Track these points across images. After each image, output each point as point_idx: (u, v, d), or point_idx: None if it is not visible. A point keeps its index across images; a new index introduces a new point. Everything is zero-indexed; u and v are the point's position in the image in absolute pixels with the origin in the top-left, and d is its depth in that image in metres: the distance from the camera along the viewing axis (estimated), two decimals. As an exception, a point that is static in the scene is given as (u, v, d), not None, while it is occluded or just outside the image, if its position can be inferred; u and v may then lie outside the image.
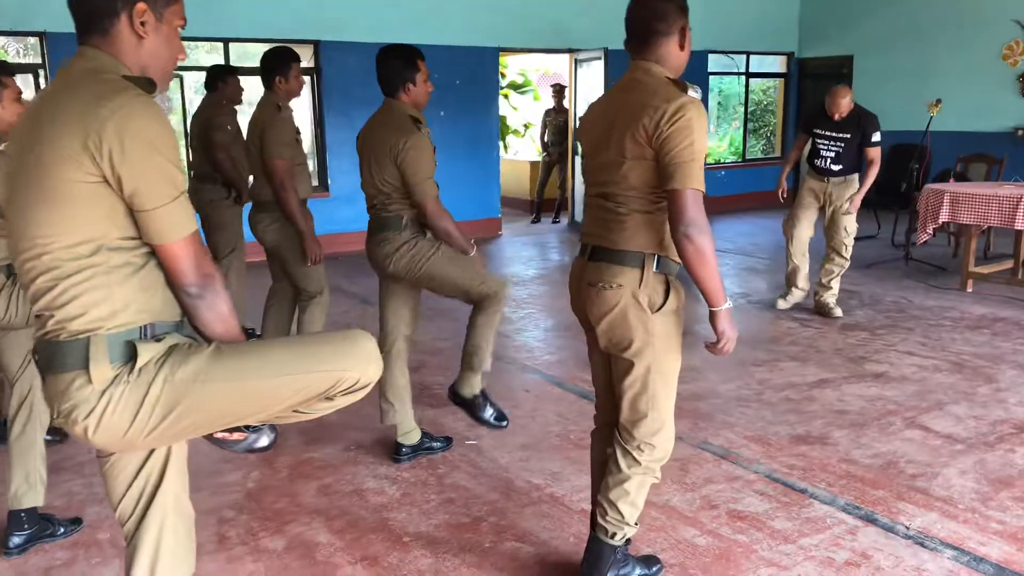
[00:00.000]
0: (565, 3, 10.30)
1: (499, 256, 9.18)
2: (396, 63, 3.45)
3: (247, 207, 4.67)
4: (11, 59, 9.19)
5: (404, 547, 2.98)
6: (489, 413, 3.72)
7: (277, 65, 4.27)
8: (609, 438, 2.62)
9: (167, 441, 1.79)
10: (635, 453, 2.47)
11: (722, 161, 13.69)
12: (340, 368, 1.77)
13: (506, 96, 14.62)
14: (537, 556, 2.91)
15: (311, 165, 9.62)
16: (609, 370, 2.52)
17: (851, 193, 5.76)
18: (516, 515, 3.20)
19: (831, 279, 5.96)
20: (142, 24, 1.69)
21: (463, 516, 3.20)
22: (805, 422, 4.04)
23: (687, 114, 2.17)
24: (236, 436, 1.93)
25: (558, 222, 11.40)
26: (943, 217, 6.70)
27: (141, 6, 1.68)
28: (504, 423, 3.78)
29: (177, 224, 1.65)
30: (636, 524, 2.58)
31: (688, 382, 4.64)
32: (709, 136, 15.60)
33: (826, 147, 5.79)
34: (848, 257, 5.89)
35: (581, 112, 10.48)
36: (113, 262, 1.64)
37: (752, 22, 12.14)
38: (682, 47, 2.36)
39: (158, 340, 1.68)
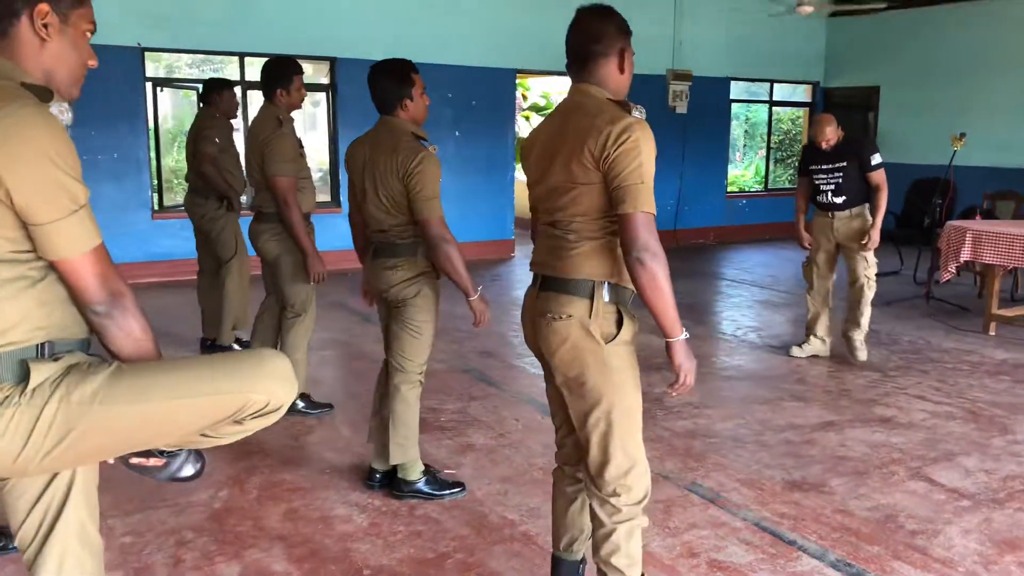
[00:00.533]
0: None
1: (509, 278, 9.05)
2: (389, 81, 3.29)
3: (248, 218, 4.59)
4: None
5: (363, 582, 2.83)
6: (444, 492, 3.51)
7: (278, 76, 4.19)
8: (571, 477, 2.47)
9: (67, 465, 1.67)
10: (613, 501, 2.28)
11: (745, 190, 13.50)
12: (248, 390, 1.64)
13: (527, 118, 14.55)
14: (500, 600, 2.75)
15: (326, 180, 9.57)
16: (566, 406, 2.37)
17: (860, 227, 5.41)
18: (484, 553, 3.03)
19: (858, 312, 5.50)
20: (44, 26, 1.60)
21: (429, 551, 3.04)
22: (802, 467, 3.84)
23: (633, 135, 2.08)
24: (153, 462, 1.79)
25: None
26: (965, 256, 6.47)
27: (43, 7, 1.59)
28: (462, 491, 3.54)
29: (75, 239, 1.53)
30: None
31: (685, 418, 4.47)
32: (735, 165, 15.62)
33: (825, 181, 5.47)
34: (872, 287, 5.48)
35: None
36: (4, 275, 1.51)
37: (777, 50, 11.98)
38: (622, 69, 2.28)
39: (56, 359, 1.56)
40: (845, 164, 5.37)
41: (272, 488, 3.55)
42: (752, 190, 13.49)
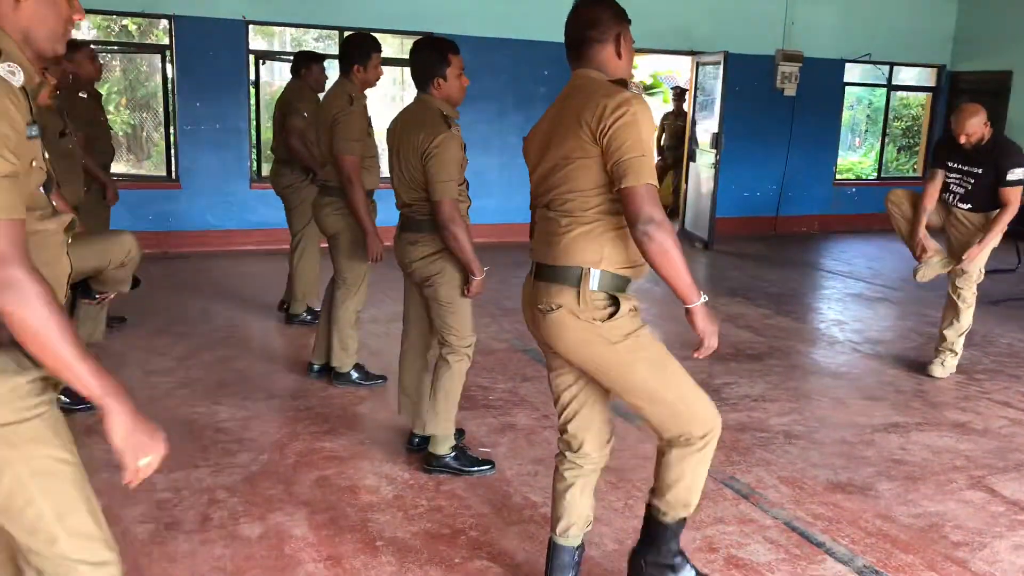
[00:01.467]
0: (687, 5, 9.94)
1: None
2: (425, 57, 3.32)
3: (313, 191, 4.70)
4: None
5: (374, 551, 2.88)
6: (474, 468, 3.53)
7: (357, 52, 4.22)
8: (571, 462, 2.46)
9: None
10: (684, 448, 2.33)
11: (862, 177, 12.88)
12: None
13: (634, 98, 14.32)
14: (502, 579, 2.74)
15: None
16: (568, 391, 2.39)
17: (978, 221, 4.76)
18: (499, 532, 3.03)
19: (946, 329, 4.94)
20: None
21: (445, 527, 3.06)
22: (852, 468, 3.66)
23: (631, 108, 2.07)
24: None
25: (669, 230, 11.02)
26: (1076, 255, 5.98)
27: None
28: (491, 468, 3.56)
29: None
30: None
31: (740, 411, 4.33)
32: (854, 151, 14.92)
33: (957, 182, 4.83)
34: (964, 304, 4.85)
35: (698, 115, 10.09)
36: None
37: (899, 31, 11.30)
38: (619, 54, 2.28)
39: None
40: (981, 172, 4.70)
41: (310, 455, 3.66)
42: (865, 178, 12.85)
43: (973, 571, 2.84)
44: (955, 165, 4.84)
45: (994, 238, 4.72)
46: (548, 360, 2.42)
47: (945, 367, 4.97)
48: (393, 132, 3.45)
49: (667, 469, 2.37)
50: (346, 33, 8.86)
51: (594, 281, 2.17)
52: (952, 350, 4.97)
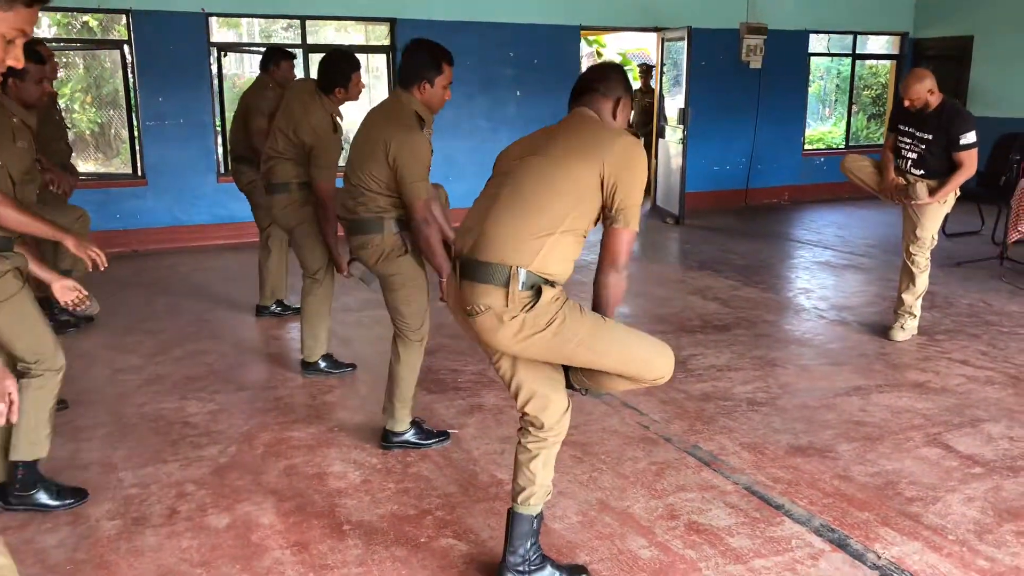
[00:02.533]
0: (651, -20, 9.96)
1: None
2: (420, 57, 3.31)
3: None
4: None
5: (341, 535, 2.92)
6: (431, 440, 3.62)
7: (340, 74, 4.15)
8: (531, 434, 2.52)
9: None
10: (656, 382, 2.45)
11: (832, 147, 12.96)
12: None
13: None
14: (467, 555, 2.79)
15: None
16: (515, 374, 2.46)
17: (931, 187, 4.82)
18: (465, 511, 3.08)
19: (903, 292, 5.04)
20: None
21: (411, 508, 3.10)
22: (813, 432, 3.73)
23: (640, 157, 2.27)
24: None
25: (640, 206, 11.06)
26: (1035, 214, 6.08)
27: None
28: (446, 439, 3.67)
29: None
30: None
31: (704, 381, 4.40)
32: (824, 121, 15.00)
33: (908, 147, 4.91)
34: (917, 269, 4.96)
35: (667, 91, 10.11)
36: None
37: (862, 0, 11.38)
38: (614, 116, 2.45)
39: None
40: (931, 138, 4.80)
41: (278, 445, 3.68)
42: (833, 147, 12.94)
43: (925, 524, 2.92)
44: (907, 129, 4.94)
45: (948, 191, 4.80)
46: (486, 350, 2.46)
47: (905, 330, 5.06)
48: (364, 125, 3.44)
49: None
50: (309, 22, 8.83)
51: (523, 282, 2.22)
52: (911, 312, 5.06)
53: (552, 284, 2.26)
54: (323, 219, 4.17)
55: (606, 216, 2.28)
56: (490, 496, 3.18)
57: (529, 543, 2.55)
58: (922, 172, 4.90)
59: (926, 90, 4.77)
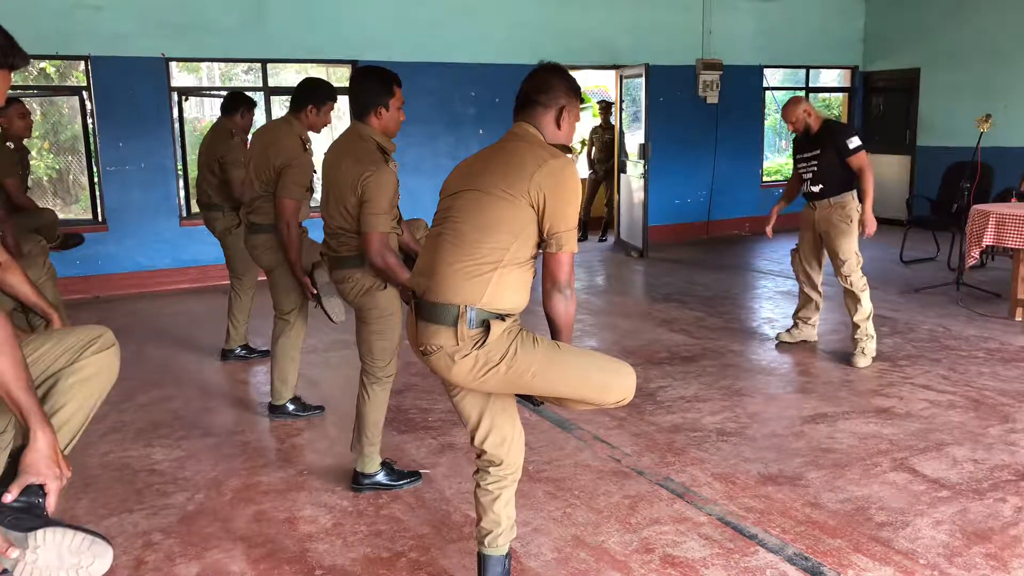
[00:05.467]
0: (608, 20, 10.14)
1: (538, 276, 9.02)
2: (371, 85, 3.33)
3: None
4: None
5: (313, 581, 2.88)
6: (402, 481, 3.60)
7: (318, 95, 4.15)
8: (492, 475, 2.50)
9: None
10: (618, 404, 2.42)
11: (788, 178, 13.18)
12: None
13: (563, 113, 14.49)
14: (442, 597, 2.76)
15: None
16: (473, 410, 2.47)
17: (839, 216, 5.18)
18: (439, 552, 3.05)
19: (853, 316, 5.20)
20: None
21: (384, 550, 3.06)
22: (783, 460, 3.76)
23: (568, 177, 2.26)
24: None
25: (604, 240, 11.17)
26: (987, 240, 6.26)
27: None
28: (418, 479, 3.64)
29: None
30: None
31: (674, 412, 4.42)
32: (782, 153, 15.30)
33: (805, 169, 5.34)
34: (853, 287, 5.15)
35: (627, 127, 10.27)
36: None
37: (814, 35, 11.70)
38: (559, 126, 2.41)
39: None
40: (819, 152, 5.21)
41: (247, 490, 3.63)
42: (785, 179, 13.19)
43: (896, 549, 2.95)
44: (800, 155, 5.39)
45: (869, 200, 5.17)
46: (446, 385, 2.46)
47: (866, 354, 5.18)
48: (328, 164, 3.45)
49: None
50: (269, 65, 8.86)
51: (472, 319, 2.22)
52: (868, 335, 5.21)
53: (503, 318, 2.26)
54: (285, 237, 4.04)
55: (542, 241, 2.29)
56: (464, 536, 3.15)
57: None
58: (820, 187, 5.28)
59: (802, 111, 5.25)
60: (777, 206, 5.73)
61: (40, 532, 1.73)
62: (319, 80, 4.27)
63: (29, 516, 1.76)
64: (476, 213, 2.26)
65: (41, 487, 1.82)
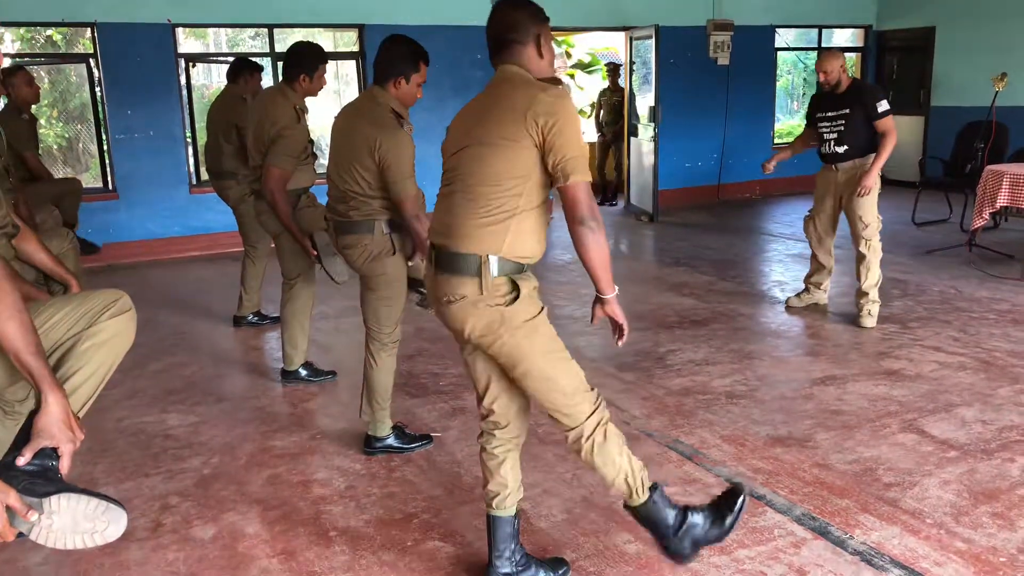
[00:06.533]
0: (617, -20, 10.02)
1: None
2: (400, 52, 3.31)
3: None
4: None
5: (327, 542, 2.92)
6: (414, 444, 3.64)
7: (307, 61, 4.15)
8: (499, 439, 2.52)
9: None
10: (570, 424, 2.39)
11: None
12: None
13: (572, 76, 14.39)
14: (454, 557, 2.81)
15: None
16: (485, 372, 2.47)
17: (858, 174, 5.11)
18: (450, 513, 3.09)
19: (863, 283, 5.19)
20: None
21: (397, 512, 3.11)
22: (792, 422, 3.78)
23: (568, 106, 2.20)
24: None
25: (614, 204, 11.12)
26: (1001, 200, 6.22)
27: None
28: (429, 442, 3.69)
29: None
30: (634, 480, 2.46)
31: (683, 375, 4.44)
32: (793, 115, 15.15)
33: (828, 129, 5.19)
34: (870, 252, 5.11)
35: (637, 90, 10.19)
36: None
37: (825, -6, 11.54)
38: (540, 54, 2.36)
39: None
40: (848, 111, 5.08)
41: (261, 454, 3.68)
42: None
43: (903, 509, 2.97)
44: (824, 114, 5.21)
45: (880, 161, 5.05)
46: (462, 348, 2.47)
47: (872, 315, 5.20)
48: (340, 126, 3.44)
49: (595, 470, 2.43)
50: (276, 31, 8.80)
51: (494, 267, 2.23)
52: (874, 300, 5.21)
53: (525, 270, 2.29)
54: (274, 204, 4.06)
55: (553, 177, 2.23)
56: (475, 497, 3.19)
57: (513, 544, 2.57)
58: (845, 148, 5.16)
59: (839, 66, 5.11)
60: (779, 156, 5.57)
61: (55, 498, 1.75)
62: (306, 46, 4.25)
63: (43, 480, 1.78)
64: (481, 166, 2.25)
65: (54, 450, 1.84)
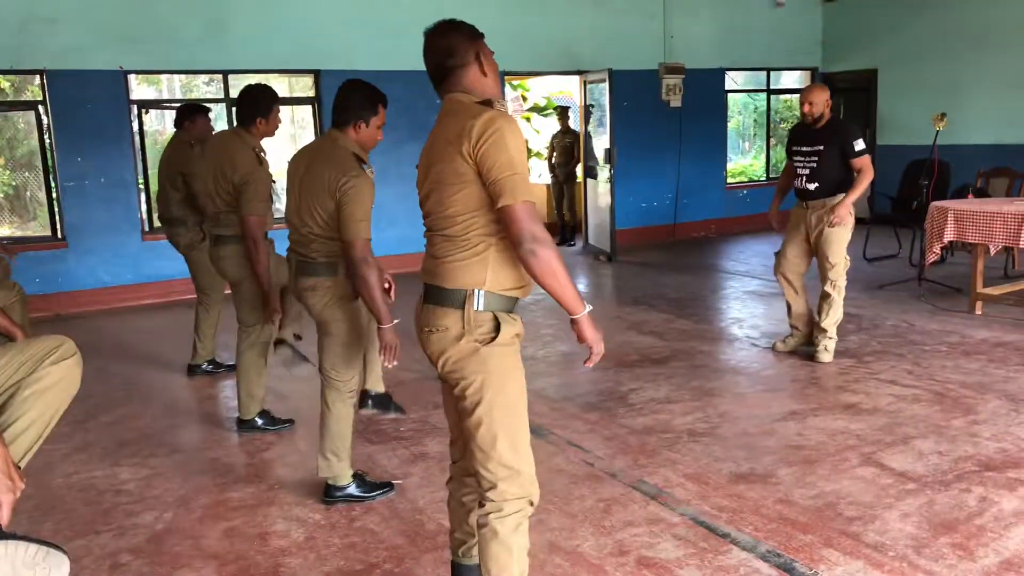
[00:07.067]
0: (571, 27, 10.19)
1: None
2: (358, 97, 3.30)
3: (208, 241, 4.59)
4: None
5: (286, 596, 2.84)
6: (375, 492, 3.58)
7: (261, 104, 4.15)
8: (469, 487, 2.47)
9: None
10: (491, 495, 2.25)
11: (754, 179, 13.35)
12: None
13: (528, 119, 14.54)
14: (417, 608, 2.74)
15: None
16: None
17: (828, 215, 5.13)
18: (413, 562, 3.03)
19: (822, 320, 5.23)
20: None
21: (358, 563, 3.04)
22: (753, 459, 3.79)
23: (496, 126, 2.09)
24: None
25: (572, 244, 11.18)
26: (948, 236, 6.37)
27: None
28: (390, 490, 3.63)
29: None
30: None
31: (645, 415, 4.44)
32: (745, 155, 15.46)
33: (802, 164, 5.23)
34: (835, 291, 5.17)
35: (593, 132, 10.33)
36: None
37: (773, 38, 11.86)
38: (484, 72, 2.29)
39: None
40: (822, 148, 5.09)
41: (217, 507, 3.58)
42: (754, 180, 13.35)
43: (866, 542, 2.98)
44: (799, 148, 5.26)
45: (853, 196, 5.08)
46: (443, 391, 2.44)
47: (828, 351, 5.26)
48: (297, 168, 3.40)
49: (485, 556, 2.27)
50: (231, 76, 8.78)
51: (479, 302, 2.19)
52: (831, 337, 5.27)
53: (512, 308, 2.25)
54: (254, 255, 4.02)
55: (492, 199, 2.12)
56: (438, 545, 3.13)
57: None
58: (816, 185, 5.17)
59: (824, 99, 5.14)
60: (775, 203, 5.62)
61: None
62: (258, 88, 4.23)
63: None
64: (443, 208, 2.21)
65: None
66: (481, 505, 2.29)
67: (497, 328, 2.22)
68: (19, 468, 1.86)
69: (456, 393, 2.29)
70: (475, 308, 2.19)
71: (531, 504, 2.29)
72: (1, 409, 2.00)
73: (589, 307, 2.22)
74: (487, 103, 2.21)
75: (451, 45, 2.25)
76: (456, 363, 2.24)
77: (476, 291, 2.19)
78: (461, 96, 2.26)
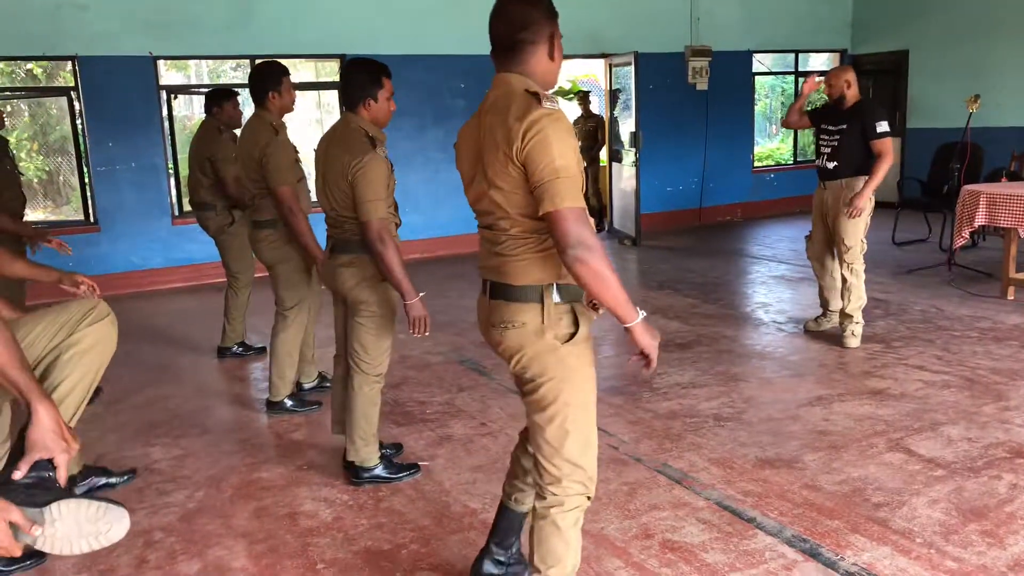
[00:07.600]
0: (596, 9, 10.11)
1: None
2: (360, 77, 3.35)
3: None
4: None
5: (315, 575, 2.89)
6: (401, 474, 3.61)
7: (270, 79, 4.21)
8: (526, 447, 2.49)
9: None
10: (553, 488, 2.23)
11: (781, 163, 13.22)
12: None
13: (553, 104, 14.48)
14: (444, 588, 2.78)
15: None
16: None
17: (846, 195, 5.10)
18: (440, 543, 3.06)
19: (846, 305, 5.18)
20: None
21: (386, 543, 3.08)
22: (779, 444, 3.78)
23: (541, 130, 1.97)
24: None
25: (600, 229, 11.16)
26: (979, 220, 6.28)
27: None
28: (417, 472, 3.65)
29: None
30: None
31: (670, 399, 4.44)
32: (772, 139, 15.31)
33: (825, 143, 5.21)
34: (852, 275, 5.11)
35: (618, 116, 10.28)
36: None
37: (802, 19, 11.71)
38: (552, 56, 2.15)
39: None
40: (846, 127, 5.07)
41: (247, 487, 3.64)
42: (782, 163, 13.22)
43: (893, 529, 2.97)
44: (823, 126, 5.26)
45: (871, 184, 5.03)
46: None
47: (856, 335, 5.22)
48: (319, 153, 3.47)
49: (540, 544, 2.27)
50: (258, 62, 8.80)
51: (556, 294, 2.14)
52: (857, 321, 5.22)
53: (595, 308, 2.24)
54: (293, 224, 4.06)
55: (536, 204, 2.02)
56: (464, 527, 3.17)
57: (515, 539, 2.59)
58: (835, 165, 5.17)
59: (844, 79, 5.13)
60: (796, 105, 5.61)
61: (55, 505, 1.76)
62: (263, 66, 4.30)
63: (42, 491, 1.80)
64: (501, 208, 2.12)
65: (50, 461, 1.85)
66: (542, 497, 2.27)
67: (575, 323, 2.18)
68: (70, 428, 1.93)
69: (527, 388, 2.24)
70: (553, 300, 2.14)
71: (588, 499, 2.30)
72: (46, 373, 2.07)
73: (643, 313, 2.10)
74: (535, 96, 2.05)
75: (528, 17, 2.09)
76: (532, 360, 2.18)
77: (553, 284, 2.14)
78: (514, 79, 2.12)
